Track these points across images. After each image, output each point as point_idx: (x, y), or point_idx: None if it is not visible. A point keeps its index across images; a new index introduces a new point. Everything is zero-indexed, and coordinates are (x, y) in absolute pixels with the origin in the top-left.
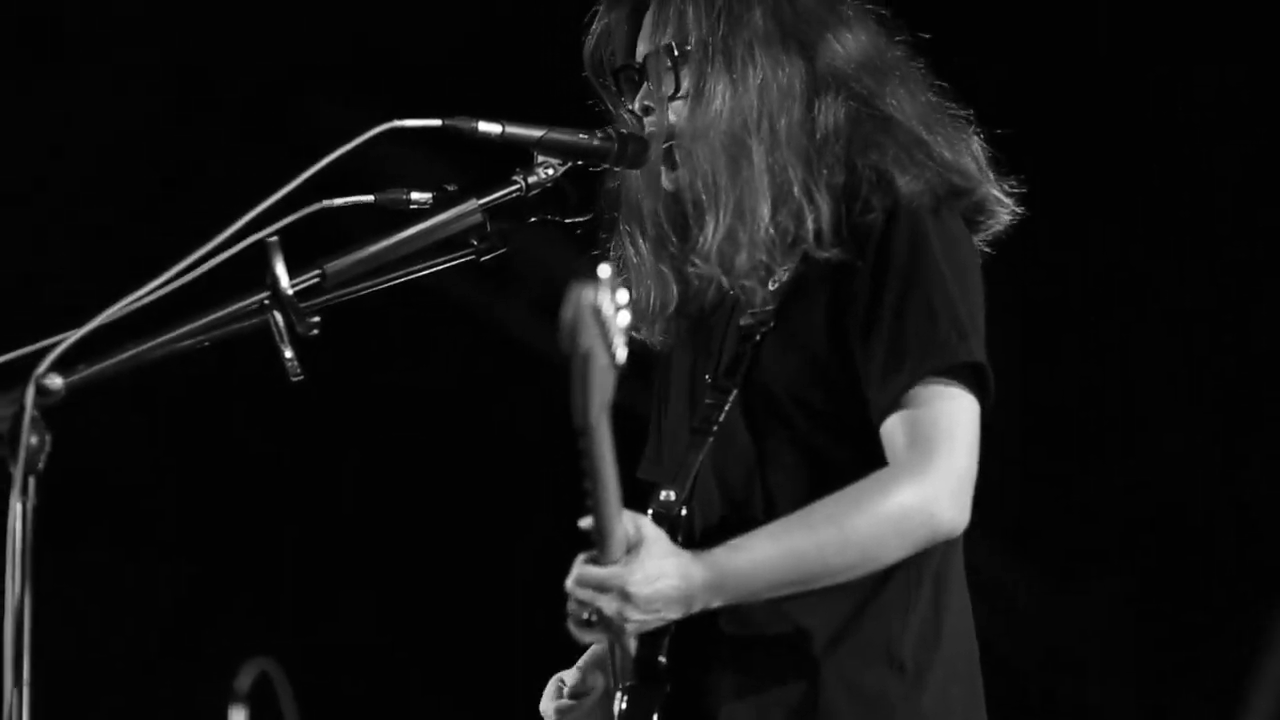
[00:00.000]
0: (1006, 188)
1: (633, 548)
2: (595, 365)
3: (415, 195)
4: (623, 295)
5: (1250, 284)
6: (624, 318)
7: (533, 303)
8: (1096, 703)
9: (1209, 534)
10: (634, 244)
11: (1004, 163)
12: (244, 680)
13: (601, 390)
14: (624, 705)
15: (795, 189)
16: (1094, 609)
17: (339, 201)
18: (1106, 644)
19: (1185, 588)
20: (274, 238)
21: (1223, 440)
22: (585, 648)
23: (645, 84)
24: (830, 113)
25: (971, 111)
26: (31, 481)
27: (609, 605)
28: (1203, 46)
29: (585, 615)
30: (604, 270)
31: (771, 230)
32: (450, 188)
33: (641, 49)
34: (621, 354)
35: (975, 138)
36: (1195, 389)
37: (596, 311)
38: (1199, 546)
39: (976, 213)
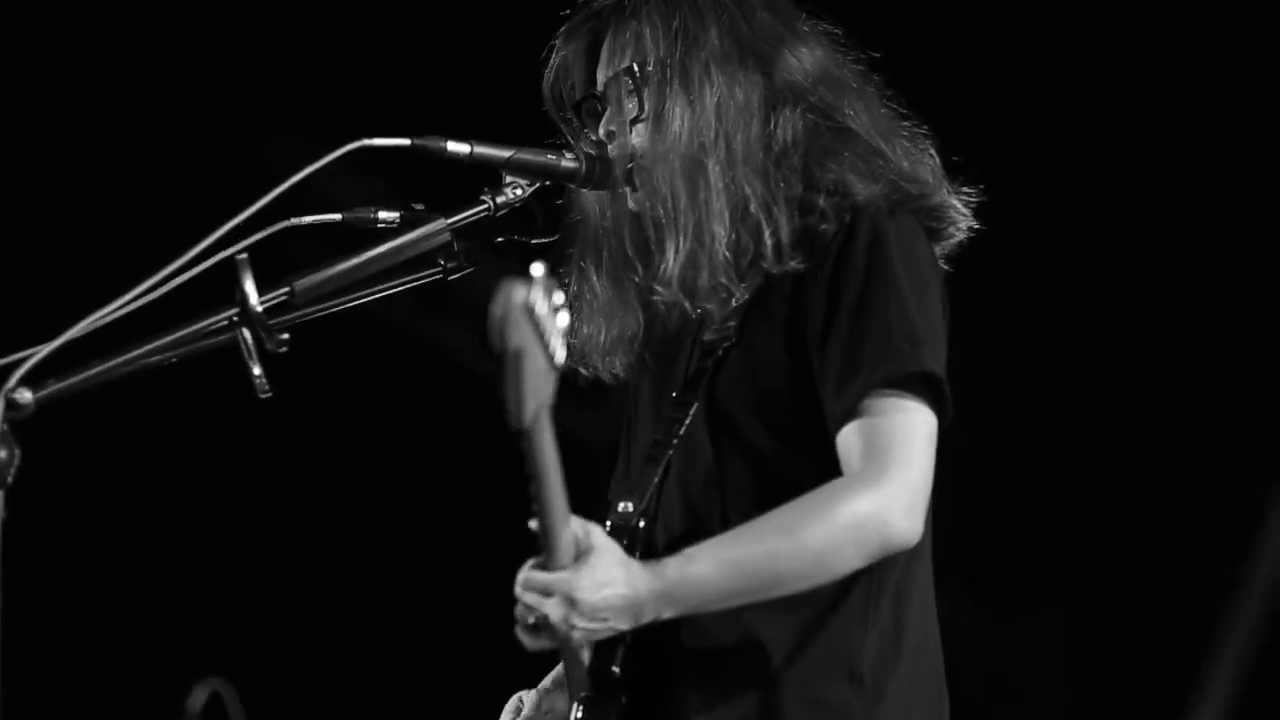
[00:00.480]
0: (964, 200)
1: (581, 554)
2: (529, 364)
3: (382, 214)
4: (559, 296)
5: (1211, 301)
6: (563, 318)
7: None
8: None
9: (1153, 561)
10: (587, 280)
11: (970, 172)
12: (196, 699)
13: (538, 390)
14: (579, 715)
15: (753, 205)
16: (1036, 636)
17: (306, 220)
18: (1048, 671)
19: (1128, 615)
20: (243, 255)
21: (1172, 468)
22: (551, 663)
23: (608, 110)
24: (789, 125)
25: (928, 128)
26: (0, 495)
27: (554, 610)
28: (1181, 55)
29: (531, 620)
30: (537, 268)
31: (728, 253)
32: (417, 206)
33: (601, 76)
34: (560, 355)
35: (932, 150)
36: (1149, 414)
37: (529, 309)
38: (1143, 573)
39: (934, 220)
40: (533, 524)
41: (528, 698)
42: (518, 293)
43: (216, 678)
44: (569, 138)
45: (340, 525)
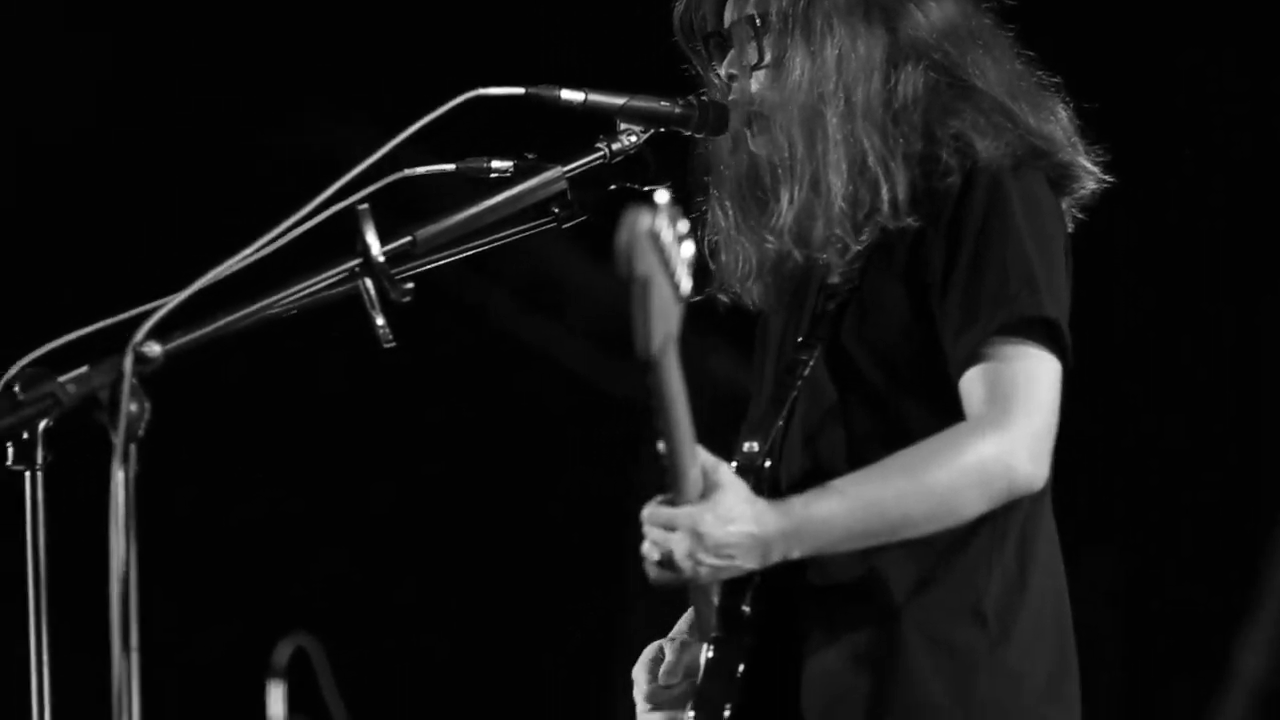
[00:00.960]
0: (1094, 156)
1: (708, 490)
2: (655, 294)
3: (495, 163)
4: (683, 225)
5: (1265, 277)
6: (688, 248)
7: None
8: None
9: (1205, 537)
10: (722, 207)
11: (1090, 132)
12: (281, 655)
13: (664, 321)
14: (710, 654)
15: (870, 159)
16: (1083, 591)
17: (420, 170)
18: (1096, 626)
19: (1180, 591)
20: (364, 205)
21: (1225, 445)
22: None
23: (731, 52)
24: (909, 82)
25: (1060, 79)
26: (133, 449)
27: (679, 546)
28: (1234, 31)
29: (656, 556)
30: (661, 196)
31: (844, 204)
32: (530, 156)
33: (727, 16)
34: (686, 285)
35: (1063, 105)
36: (1202, 390)
37: (654, 237)
38: (1196, 549)
39: (1061, 176)
40: (660, 446)
41: (668, 648)
42: (643, 220)
43: (302, 633)
44: (698, 68)
45: (447, 478)
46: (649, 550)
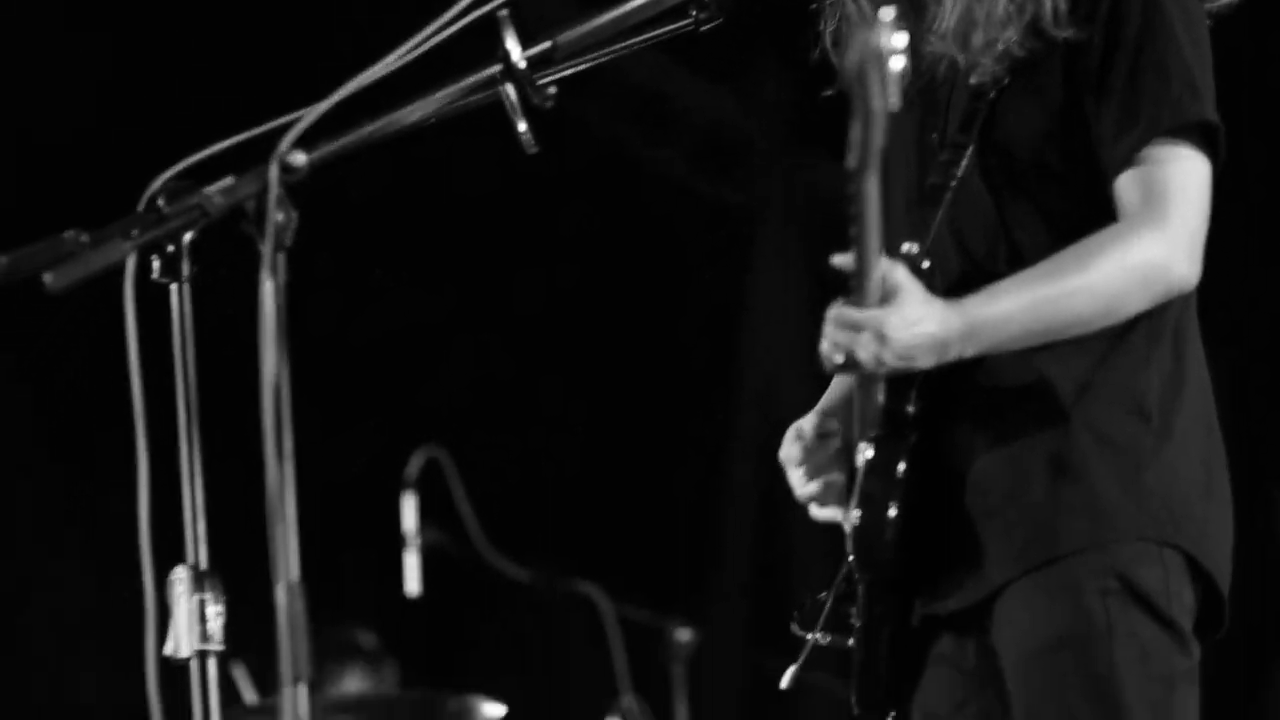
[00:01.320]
0: None
1: (888, 295)
2: (875, 109)
3: None
4: (901, 39)
5: None
6: (899, 62)
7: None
8: None
9: None
10: (859, 7)
11: None
12: (413, 467)
13: (877, 134)
14: (870, 454)
15: None
16: None
17: None
18: None
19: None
20: (504, 11)
21: None
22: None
23: None
24: None
25: None
26: (281, 258)
27: (864, 348)
28: None
29: (839, 358)
30: (886, 13)
31: (1010, 7)
32: None
33: None
34: (895, 101)
35: None
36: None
37: (879, 55)
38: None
39: None
40: (839, 259)
41: (807, 423)
42: (872, 39)
43: (433, 445)
44: None
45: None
46: (830, 350)
